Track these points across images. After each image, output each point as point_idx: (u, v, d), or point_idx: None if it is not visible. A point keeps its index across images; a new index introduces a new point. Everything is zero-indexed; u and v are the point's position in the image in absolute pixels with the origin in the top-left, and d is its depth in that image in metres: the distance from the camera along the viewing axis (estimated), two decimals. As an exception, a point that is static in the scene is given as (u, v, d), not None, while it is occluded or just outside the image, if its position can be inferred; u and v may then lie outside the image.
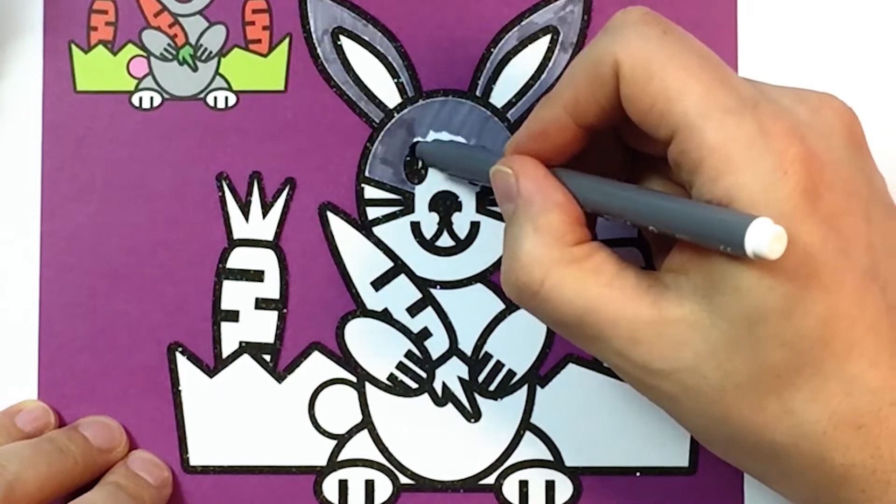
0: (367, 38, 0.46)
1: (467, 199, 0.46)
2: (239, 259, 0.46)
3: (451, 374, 0.46)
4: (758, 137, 0.33)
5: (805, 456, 0.35)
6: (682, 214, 0.34)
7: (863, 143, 0.37)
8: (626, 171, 0.41)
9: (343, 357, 0.46)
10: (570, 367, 0.46)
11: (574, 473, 0.46)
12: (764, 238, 0.31)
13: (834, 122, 0.36)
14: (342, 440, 0.46)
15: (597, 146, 0.39)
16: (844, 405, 0.34)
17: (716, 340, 0.34)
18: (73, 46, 0.47)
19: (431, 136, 0.46)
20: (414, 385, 0.46)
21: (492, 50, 0.46)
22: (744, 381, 0.34)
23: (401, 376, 0.46)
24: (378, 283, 0.46)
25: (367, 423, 0.46)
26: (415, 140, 0.46)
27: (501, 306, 0.46)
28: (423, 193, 0.46)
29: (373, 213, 0.46)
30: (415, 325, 0.46)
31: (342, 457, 0.46)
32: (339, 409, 0.46)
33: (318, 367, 0.46)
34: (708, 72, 0.34)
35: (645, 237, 0.42)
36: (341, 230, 0.46)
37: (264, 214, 0.46)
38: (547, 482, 0.46)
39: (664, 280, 0.36)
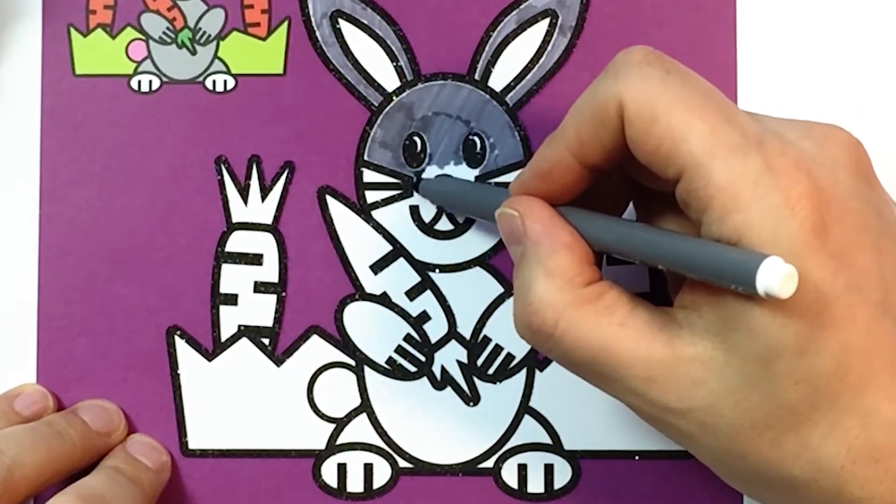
0: (365, 22, 0.46)
1: (466, 182, 0.46)
2: (238, 242, 0.46)
3: (449, 357, 0.46)
4: (764, 174, 0.33)
5: (824, 490, 0.35)
6: (692, 254, 0.34)
7: (870, 173, 0.37)
8: (634, 206, 0.41)
9: (342, 341, 0.46)
10: (569, 350, 0.46)
11: (573, 457, 0.46)
12: (775, 277, 0.31)
13: (839, 154, 0.36)
14: (341, 424, 0.46)
15: (603, 183, 0.39)
16: (861, 439, 0.34)
17: (731, 378, 0.34)
18: (72, 30, 0.47)
19: (434, 171, 0.46)
20: (413, 369, 0.46)
21: (490, 33, 0.46)
22: (760, 419, 0.34)
23: (399, 360, 0.46)
24: (377, 267, 0.46)
25: (365, 406, 0.46)
26: (420, 178, 0.46)
27: (500, 290, 0.46)
28: (423, 177, 0.46)
29: (372, 196, 0.46)
30: (413, 308, 0.46)
31: (341, 440, 0.46)
32: (338, 392, 0.46)
33: (316, 350, 0.46)
34: (712, 110, 0.34)
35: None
36: (340, 214, 0.46)
37: (263, 198, 0.46)
38: (546, 466, 0.46)
39: (677, 317, 0.36)
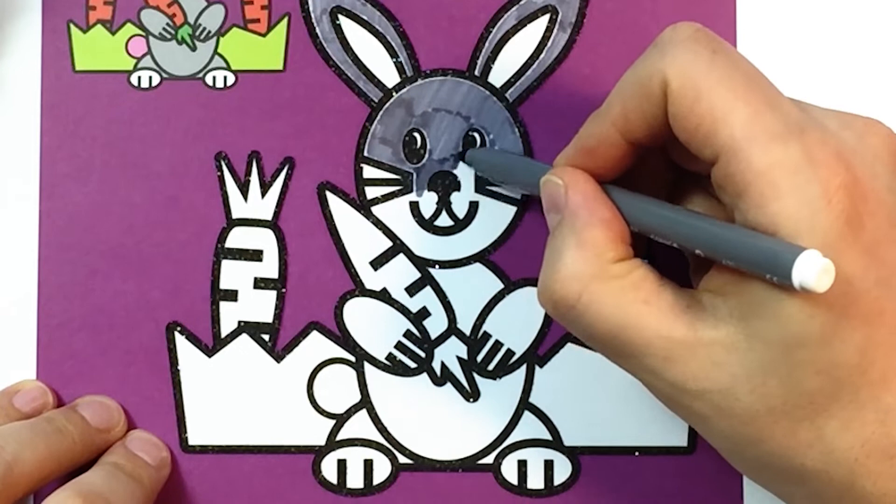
0: (365, 18, 0.46)
1: (466, 178, 0.46)
2: (238, 238, 0.46)
3: (449, 353, 0.46)
4: (803, 164, 0.33)
5: (835, 483, 0.35)
6: (730, 242, 0.34)
7: None
8: (672, 187, 0.41)
9: (342, 337, 0.46)
10: (569, 346, 0.46)
11: (573, 453, 0.46)
12: (812, 271, 0.31)
13: (879, 148, 0.36)
14: (341, 420, 0.46)
15: (645, 163, 0.39)
16: (878, 434, 0.34)
17: (751, 364, 0.34)
18: (72, 26, 0.47)
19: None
20: (413, 365, 0.46)
21: (490, 29, 0.46)
22: (777, 406, 0.34)
23: (399, 356, 0.46)
24: (377, 263, 0.46)
25: (365, 402, 0.46)
26: (466, 149, 0.46)
27: (500, 286, 0.46)
28: (422, 173, 0.46)
29: (371, 192, 0.46)
30: (413, 304, 0.46)
31: (341, 436, 0.46)
32: (338, 388, 0.46)
33: (316, 346, 0.46)
34: (756, 94, 0.34)
35: (685, 254, 0.42)
36: (340, 210, 0.46)
37: (263, 194, 0.46)
38: (546, 462, 0.46)
39: (702, 300, 0.36)
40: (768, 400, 0.34)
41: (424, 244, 0.46)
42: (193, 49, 0.47)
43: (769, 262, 0.32)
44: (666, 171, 0.41)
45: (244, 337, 0.46)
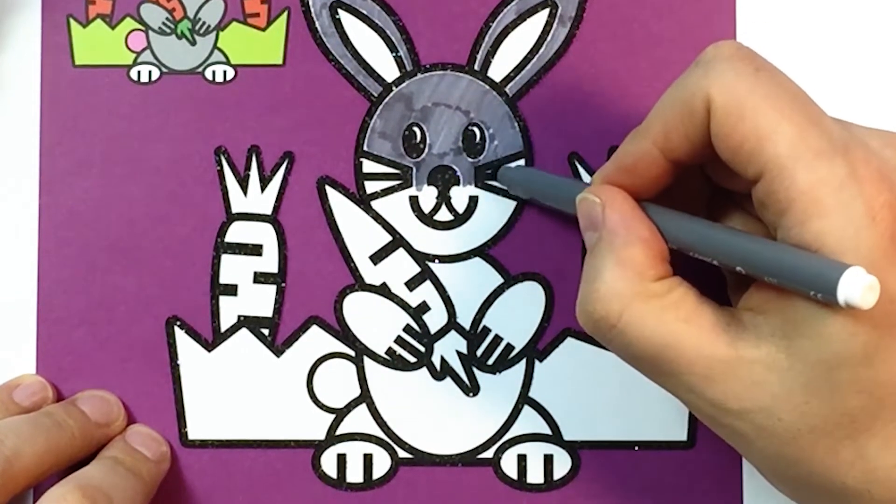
0: (365, 12, 0.46)
1: (465, 173, 0.46)
2: (237, 233, 0.46)
3: (449, 348, 0.46)
4: (848, 182, 0.33)
5: (877, 501, 0.35)
6: (773, 259, 0.34)
7: None
8: (708, 204, 0.41)
9: (341, 331, 0.46)
10: (569, 340, 0.46)
11: (572, 447, 0.46)
12: (857, 288, 0.31)
13: None
14: (340, 414, 0.46)
15: (682, 182, 0.39)
16: None
17: (792, 383, 0.34)
18: (72, 20, 0.47)
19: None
20: (412, 359, 0.46)
21: (490, 23, 0.46)
22: (819, 425, 0.34)
23: (399, 350, 0.46)
24: (376, 257, 0.46)
25: (365, 397, 0.46)
26: (499, 167, 0.46)
27: (500, 280, 0.46)
28: (422, 167, 0.46)
29: (371, 187, 0.46)
30: (413, 299, 0.46)
31: (340, 431, 0.46)
32: (338, 383, 0.46)
33: (316, 341, 0.46)
34: (800, 112, 0.34)
35: (723, 271, 0.42)
36: (340, 204, 0.46)
37: (263, 188, 0.46)
38: (545, 456, 0.46)
39: (742, 319, 0.35)
40: (809, 419, 0.34)
41: (424, 238, 0.46)
42: (193, 43, 0.47)
43: (814, 278, 0.32)
44: (703, 189, 0.40)
45: (244, 331, 0.46)
